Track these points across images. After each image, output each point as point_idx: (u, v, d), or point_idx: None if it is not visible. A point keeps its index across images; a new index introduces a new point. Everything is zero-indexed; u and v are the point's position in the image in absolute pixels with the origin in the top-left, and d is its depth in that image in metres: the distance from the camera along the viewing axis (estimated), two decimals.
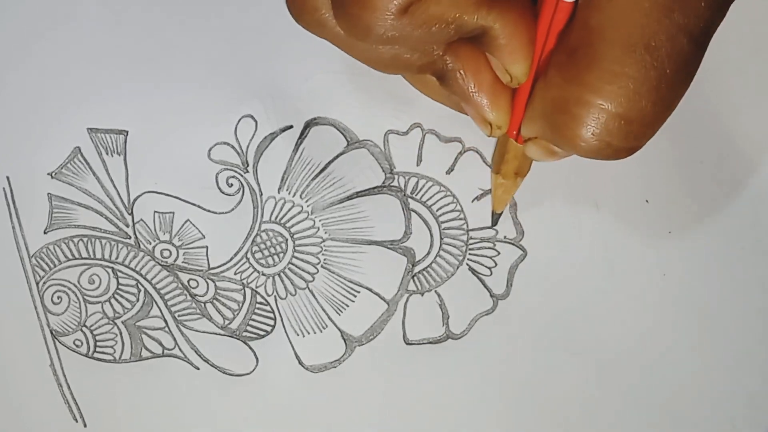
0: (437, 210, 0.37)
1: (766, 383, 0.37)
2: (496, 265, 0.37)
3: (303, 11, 0.30)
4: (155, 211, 0.36)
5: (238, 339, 0.36)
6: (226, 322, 0.36)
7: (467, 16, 0.27)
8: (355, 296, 0.36)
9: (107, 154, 0.36)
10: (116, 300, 0.36)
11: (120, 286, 0.36)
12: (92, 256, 0.36)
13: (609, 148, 0.27)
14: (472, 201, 0.37)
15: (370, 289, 0.37)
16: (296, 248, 0.37)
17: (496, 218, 0.36)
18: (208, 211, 0.36)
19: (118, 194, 0.36)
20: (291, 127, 0.36)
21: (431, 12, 0.27)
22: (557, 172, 0.36)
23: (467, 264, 0.37)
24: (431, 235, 0.37)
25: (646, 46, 0.26)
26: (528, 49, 0.28)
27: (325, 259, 0.37)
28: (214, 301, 0.36)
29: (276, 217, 0.36)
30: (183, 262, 0.36)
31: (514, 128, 0.31)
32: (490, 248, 0.37)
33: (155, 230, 0.36)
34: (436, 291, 0.37)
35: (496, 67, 0.29)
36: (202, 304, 0.36)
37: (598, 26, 0.26)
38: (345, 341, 0.36)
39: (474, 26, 0.28)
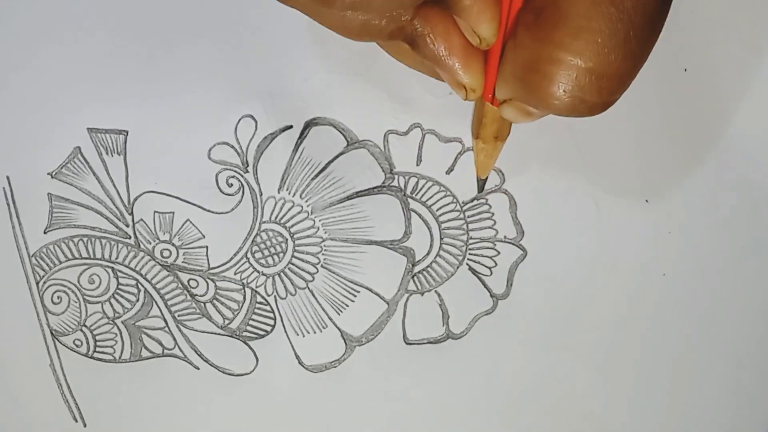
0: (437, 210, 0.37)
1: (766, 383, 0.37)
2: (496, 264, 0.37)
3: None
4: (155, 211, 0.36)
5: (238, 339, 0.36)
6: (226, 321, 0.36)
7: None
8: (355, 296, 0.36)
9: (107, 154, 0.36)
10: (116, 300, 0.36)
11: (120, 286, 0.36)
12: (92, 256, 0.36)
13: (583, 104, 0.28)
14: (470, 200, 0.37)
15: (370, 289, 0.37)
16: (296, 248, 0.37)
17: (481, 184, 0.36)
18: (208, 211, 0.36)
19: (118, 194, 0.36)
20: (291, 127, 0.36)
21: None
22: (557, 171, 0.36)
23: (467, 264, 0.37)
24: (431, 235, 0.37)
25: (611, 0, 0.26)
26: (494, 10, 0.28)
27: (325, 259, 0.37)
28: (214, 300, 0.36)
29: (276, 217, 0.36)
30: (183, 262, 0.36)
31: (489, 91, 0.31)
32: (490, 248, 0.37)
33: (155, 230, 0.36)
34: (436, 291, 0.37)
35: (465, 30, 0.29)
36: (202, 304, 0.36)
37: None
38: (345, 341, 0.36)
39: None
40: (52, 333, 0.36)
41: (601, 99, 0.28)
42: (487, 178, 0.36)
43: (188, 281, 0.36)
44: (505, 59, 0.30)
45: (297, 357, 0.36)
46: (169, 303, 0.36)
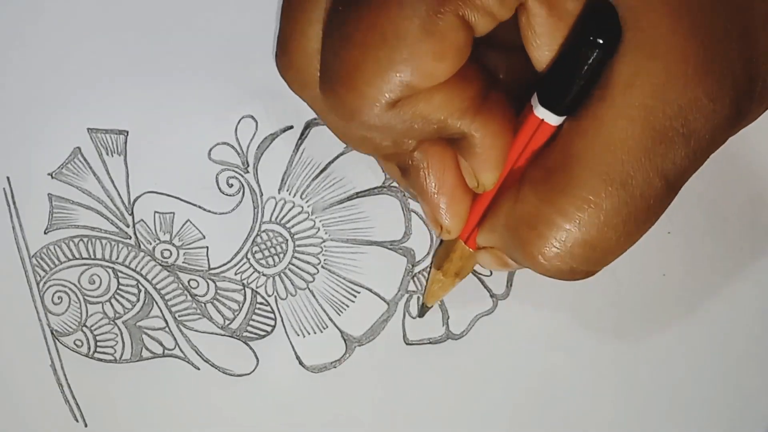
0: None
1: (766, 383, 0.37)
2: None
3: (289, 68, 0.30)
4: (155, 212, 0.36)
5: (239, 339, 0.36)
6: (227, 322, 0.36)
7: (452, 120, 0.27)
8: (355, 296, 0.37)
9: (107, 154, 0.36)
10: (117, 300, 0.36)
11: (120, 287, 0.36)
12: (92, 257, 0.36)
13: (568, 269, 0.28)
14: None
15: (370, 290, 0.37)
16: (296, 248, 0.37)
17: (424, 310, 0.36)
18: (209, 211, 0.36)
19: (119, 194, 0.36)
20: (291, 127, 0.36)
21: (419, 110, 0.27)
22: None
23: None
24: (431, 236, 0.37)
25: (622, 183, 0.26)
26: (501, 161, 0.29)
27: (325, 260, 0.37)
28: (215, 301, 0.36)
29: (276, 218, 0.36)
30: (183, 262, 0.36)
31: (467, 232, 0.31)
32: None
33: (155, 230, 0.36)
34: None
35: (465, 170, 0.30)
36: (203, 305, 0.36)
37: (579, 153, 0.27)
38: (345, 341, 0.37)
39: (456, 130, 0.28)
40: (52, 333, 0.36)
41: (587, 268, 0.28)
42: (432, 306, 0.36)
43: (189, 281, 0.36)
44: (499, 209, 0.30)
45: (297, 357, 0.36)
46: (169, 303, 0.36)
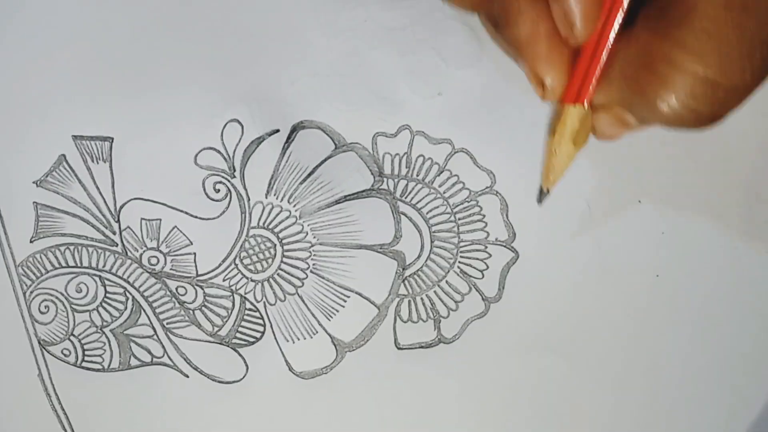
0: (427, 212, 0.36)
1: (761, 385, 0.36)
2: (487, 267, 0.36)
3: None
4: (142, 218, 0.36)
5: (228, 346, 0.36)
6: (215, 329, 0.36)
7: None
8: (345, 301, 0.36)
9: (93, 161, 0.36)
10: (104, 308, 0.36)
11: (108, 295, 0.36)
12: (79, 265, 0.36)
13: (692, 114, 0.26)
14: (461, 202, 0.36)
15: (360, 294, 0.36)
16: (285, 253, 0.36)
17: (542, 196, 0.35)
18: (196, 217, 0.36)
19: (105, 201, 0.36)
20: (278, 131, 0.36)
21: None
22: None
23: (458, 267, 0.36)
24: (421, 238, 0.36)
25: (744, 7, 0.24)
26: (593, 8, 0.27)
27: (314, 264, 0.36)
28: (203, 308, 0.36)
29: (264, 223, 0.36)
30: (171, 269, 0.36)
31: (573, 91, 0.30)
32: (481, 250, 0.36)
33: (142, 237, 0.36)
34: (427, 294, 0.36)
35: (558, 17, 0.27)
36: (191, 312, 0.36)
37: None
38: (335, 347, 0.36)
39: None
40: (39, 343, 0.36)
41: (713, 110, 0.26)
42: (549, 191, 0.35)
43: (176, 288, 0.36)
44: (614, 57, 0.28)
45: (287, 364, 0.36)
46: (157, 311, 0.36)
